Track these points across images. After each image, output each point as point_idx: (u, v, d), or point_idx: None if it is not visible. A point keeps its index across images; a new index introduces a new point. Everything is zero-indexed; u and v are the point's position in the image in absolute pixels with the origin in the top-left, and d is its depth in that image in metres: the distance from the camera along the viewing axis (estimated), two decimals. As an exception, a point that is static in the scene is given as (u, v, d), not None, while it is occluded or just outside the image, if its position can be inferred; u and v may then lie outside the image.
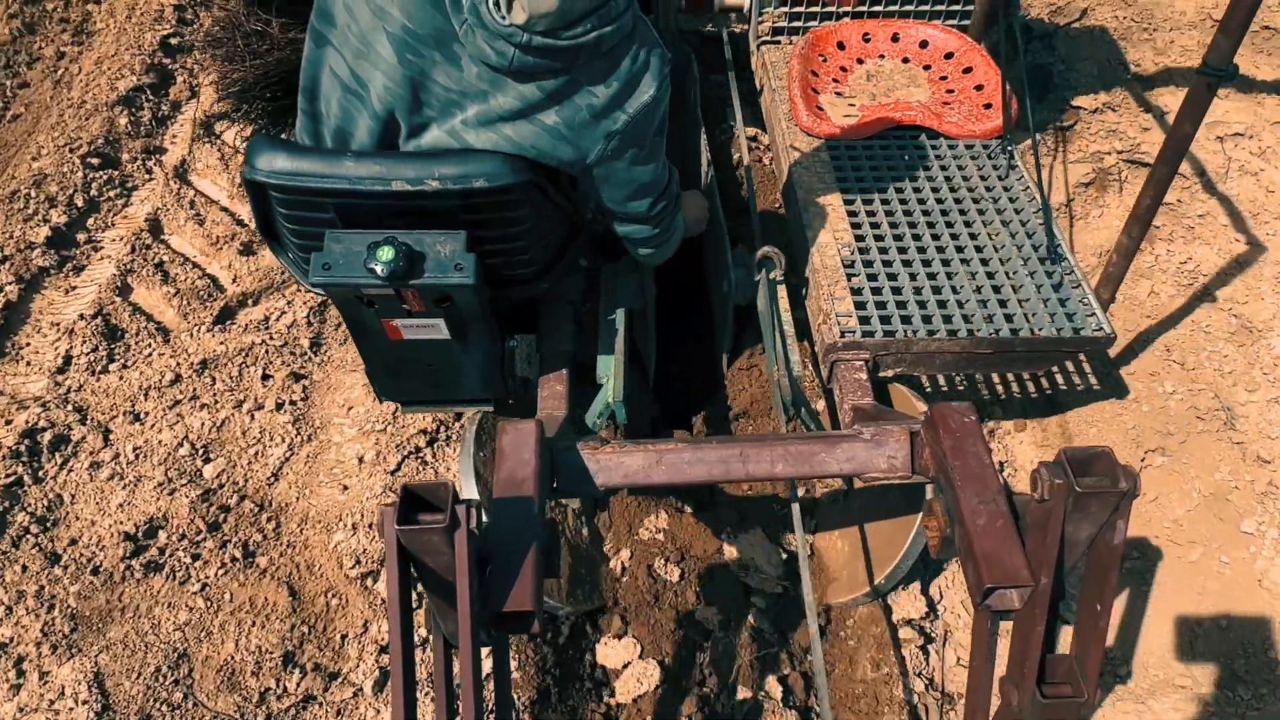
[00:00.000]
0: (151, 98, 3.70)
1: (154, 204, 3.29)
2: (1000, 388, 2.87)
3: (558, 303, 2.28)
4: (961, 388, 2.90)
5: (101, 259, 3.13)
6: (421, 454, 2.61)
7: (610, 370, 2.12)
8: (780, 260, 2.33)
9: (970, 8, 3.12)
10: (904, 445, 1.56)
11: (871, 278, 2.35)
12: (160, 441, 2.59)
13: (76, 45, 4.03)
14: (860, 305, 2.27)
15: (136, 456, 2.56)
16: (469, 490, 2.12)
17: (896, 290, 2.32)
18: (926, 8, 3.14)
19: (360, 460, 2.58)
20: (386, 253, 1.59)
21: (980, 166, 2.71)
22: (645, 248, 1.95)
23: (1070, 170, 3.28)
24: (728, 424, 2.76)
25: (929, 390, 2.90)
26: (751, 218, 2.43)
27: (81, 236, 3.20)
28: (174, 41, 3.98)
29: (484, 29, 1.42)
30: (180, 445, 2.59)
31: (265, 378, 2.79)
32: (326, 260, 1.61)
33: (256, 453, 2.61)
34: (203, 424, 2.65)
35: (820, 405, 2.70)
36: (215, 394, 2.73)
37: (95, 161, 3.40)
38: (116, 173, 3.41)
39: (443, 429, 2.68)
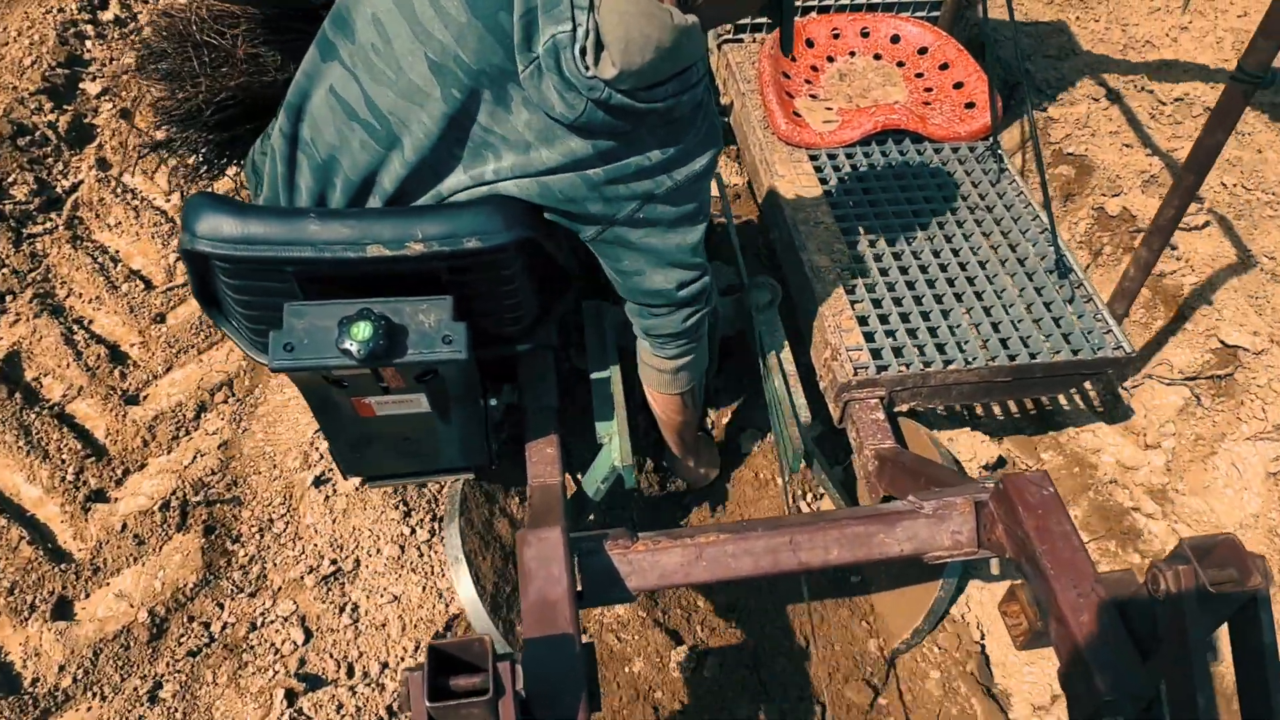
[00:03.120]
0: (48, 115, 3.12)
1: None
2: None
3: (537, 351, 2.08)
4: (956, 412, 2.79)
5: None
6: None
7: (613, 428, 1.94)
8: (777, 292, 2.17)
9: (940, -1, 3.01)
10: (969, 519, 1.42)
11: (876, 303, 2.22)
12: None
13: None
14: (869, 336, 2.13)
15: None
16: (463, 581, 1.92)
17: (905, 317, 2.19)
18: None
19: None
20: (363, 330, 1.37)
21: (970, 171, 2.60)
22: (668, 349, 1.74)
23: (1047, 172, 3.21)
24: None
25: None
26: (731, 239, 2.26)
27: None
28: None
29: (558, 75, 1.23)
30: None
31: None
32: (288, 340, 1.38)
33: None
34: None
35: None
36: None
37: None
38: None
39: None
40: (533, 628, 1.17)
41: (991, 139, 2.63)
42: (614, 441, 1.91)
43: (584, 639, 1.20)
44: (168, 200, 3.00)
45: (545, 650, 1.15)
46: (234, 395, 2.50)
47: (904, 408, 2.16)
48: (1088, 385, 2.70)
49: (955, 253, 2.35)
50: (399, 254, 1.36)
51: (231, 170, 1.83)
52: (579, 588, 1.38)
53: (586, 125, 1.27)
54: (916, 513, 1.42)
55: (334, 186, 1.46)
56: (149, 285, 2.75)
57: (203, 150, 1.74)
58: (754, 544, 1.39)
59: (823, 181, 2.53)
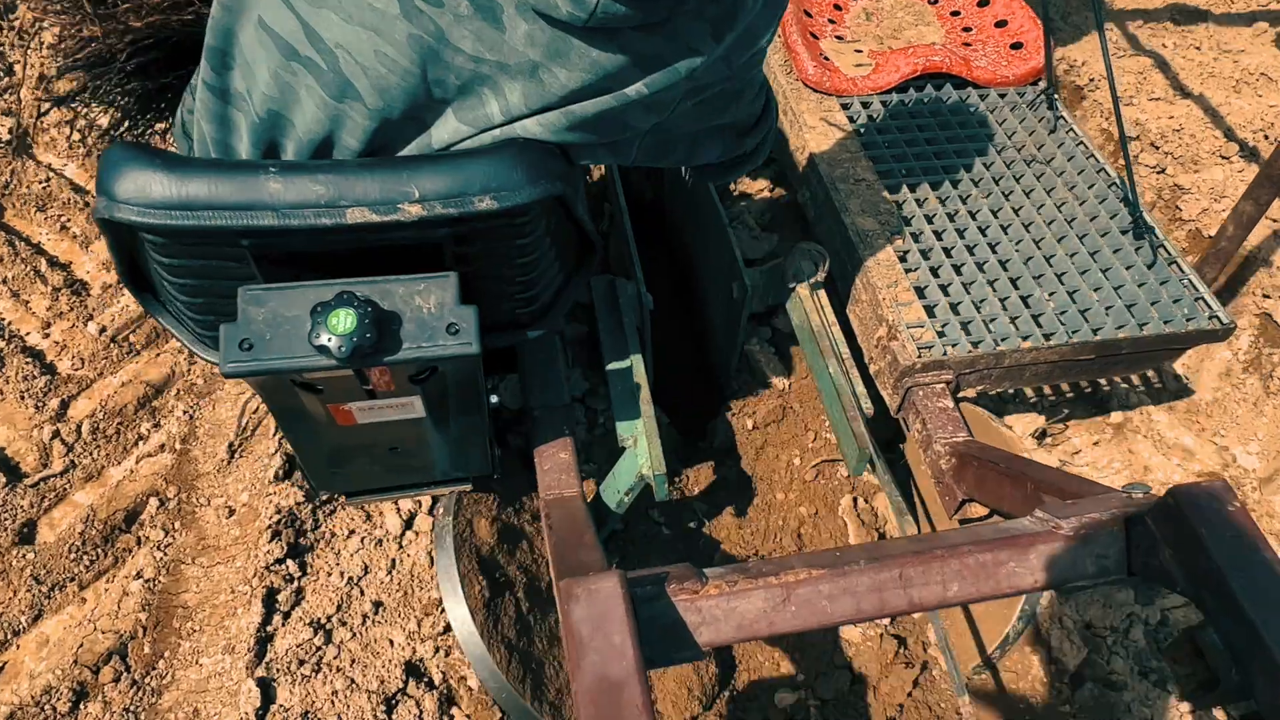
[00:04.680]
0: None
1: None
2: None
3: (544, 337, 1.77)
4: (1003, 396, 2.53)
5: None
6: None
7: (639, 429, 1.64)
8: (824, 261, 1.88)
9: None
10: (1118, 539, 1.15)
11: (935, 272, 1.93)
12: None
13: None
14: (930, 311, 1.85)
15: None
16: (457, 608, 1.62)
17: (968, 288, 1.91)
18: (925, -71, 2.71)
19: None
20: (344, 320, 1.05)
21: (1022, 119, 2.32)
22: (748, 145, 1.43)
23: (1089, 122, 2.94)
24: (737, 449, 2.32)
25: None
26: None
27: None
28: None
29: None
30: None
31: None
32: (245, 336, 1.07)
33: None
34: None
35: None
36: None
37: None
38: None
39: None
40: (595, 719, 0.88)
41: (1046, 83, 2.35)
42: (640, 445, 1.61)
43: (655, 725, 0.91)
44: (82, 166, 2.65)
45: (613, 753, 0.86)
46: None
47: (970, 393, 1.89)
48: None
49: (1016, 211, 2.07)
50: (389, 219, 1.04)
51: (160, 126, 1.49)
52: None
53: (606, 23, 0.95)
54: (1053, 534, 1.15)
55: (282, 150, 1.13)
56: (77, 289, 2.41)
57: (121, 104, 1.39)
58: (854, 581, 1.10)
59: (858, 133, 2.24)
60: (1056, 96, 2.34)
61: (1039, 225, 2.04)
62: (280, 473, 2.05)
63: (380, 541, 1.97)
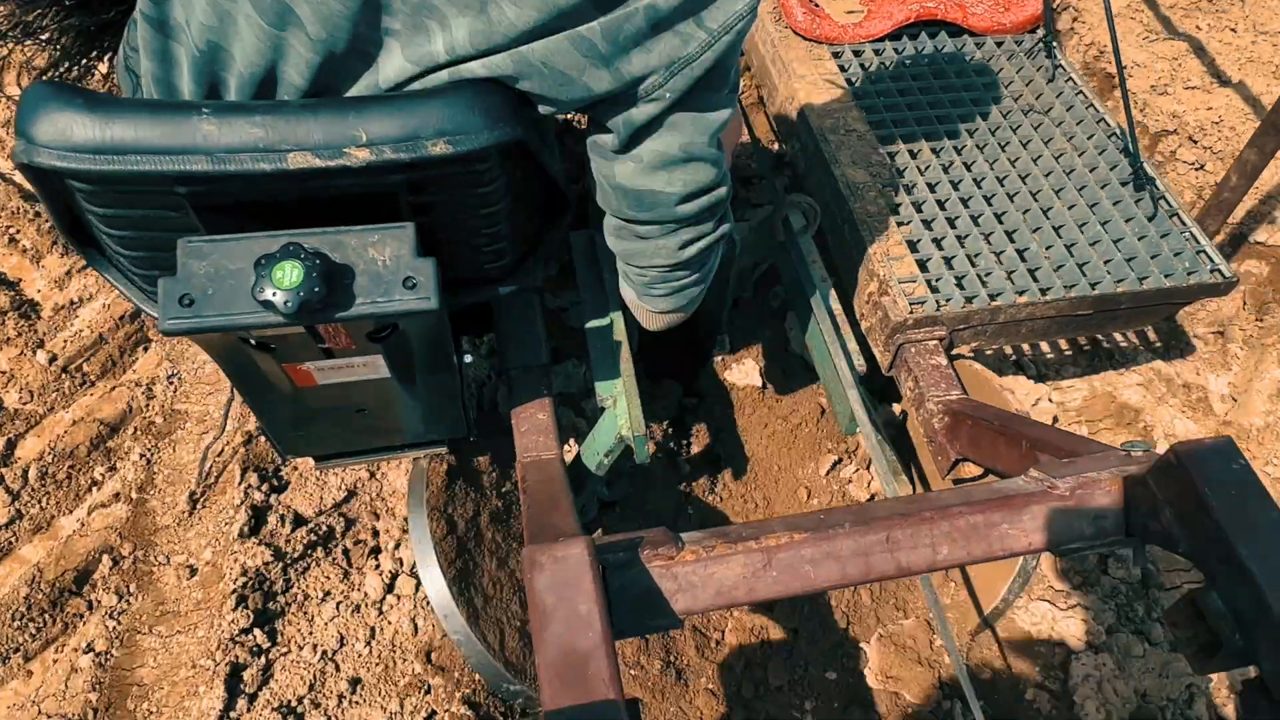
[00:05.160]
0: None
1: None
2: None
3: (519, 294, 1.70)
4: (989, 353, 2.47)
5: None
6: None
7: (618, 389, 1.57)
8: (815, 214, 1.81)
9: None
10: (1116, 500, 1.10)
11: (928, 225, 1.87)
12: None
13: None
14: (923, 265, 1.78)
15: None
16: (433, 581, 1.57)
17: (962, 241, 1.84)
18: None
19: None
20: (289, 273, 0.99)
21: (1020, 69, 2.23)
22: (656, 292, 1.30)
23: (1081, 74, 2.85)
24: (731, 410, 2.27)
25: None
26: None
27: None
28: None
29: None
30: None
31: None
32: (186, 291, 1.00)
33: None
34: None
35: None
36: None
37: None
38: None
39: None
40: (558, 693, 0.82)
41: (1044, 31, 2.26)
42: (620, 406, 1.55)
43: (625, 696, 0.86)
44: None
45: (574, 728, 0.80)
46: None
47: (963, 350, 1.83)
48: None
49: (1013, 163, 2.00)
50: (335, 164, 0.97)
51: (104, 68, 1.40)
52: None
53: None
54: (1048, 494, 1.09)
55: (225, 86, 1.06)
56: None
57: (59, 43, 1.30)
58: (839, 545, 1.05)
59: (850, 83, 2.16)
60: (1055, 45, 2.26)
61: (1036, 177, 1.97)
62: (246, 528, 1.90)
63: (358, 607, 1.83)
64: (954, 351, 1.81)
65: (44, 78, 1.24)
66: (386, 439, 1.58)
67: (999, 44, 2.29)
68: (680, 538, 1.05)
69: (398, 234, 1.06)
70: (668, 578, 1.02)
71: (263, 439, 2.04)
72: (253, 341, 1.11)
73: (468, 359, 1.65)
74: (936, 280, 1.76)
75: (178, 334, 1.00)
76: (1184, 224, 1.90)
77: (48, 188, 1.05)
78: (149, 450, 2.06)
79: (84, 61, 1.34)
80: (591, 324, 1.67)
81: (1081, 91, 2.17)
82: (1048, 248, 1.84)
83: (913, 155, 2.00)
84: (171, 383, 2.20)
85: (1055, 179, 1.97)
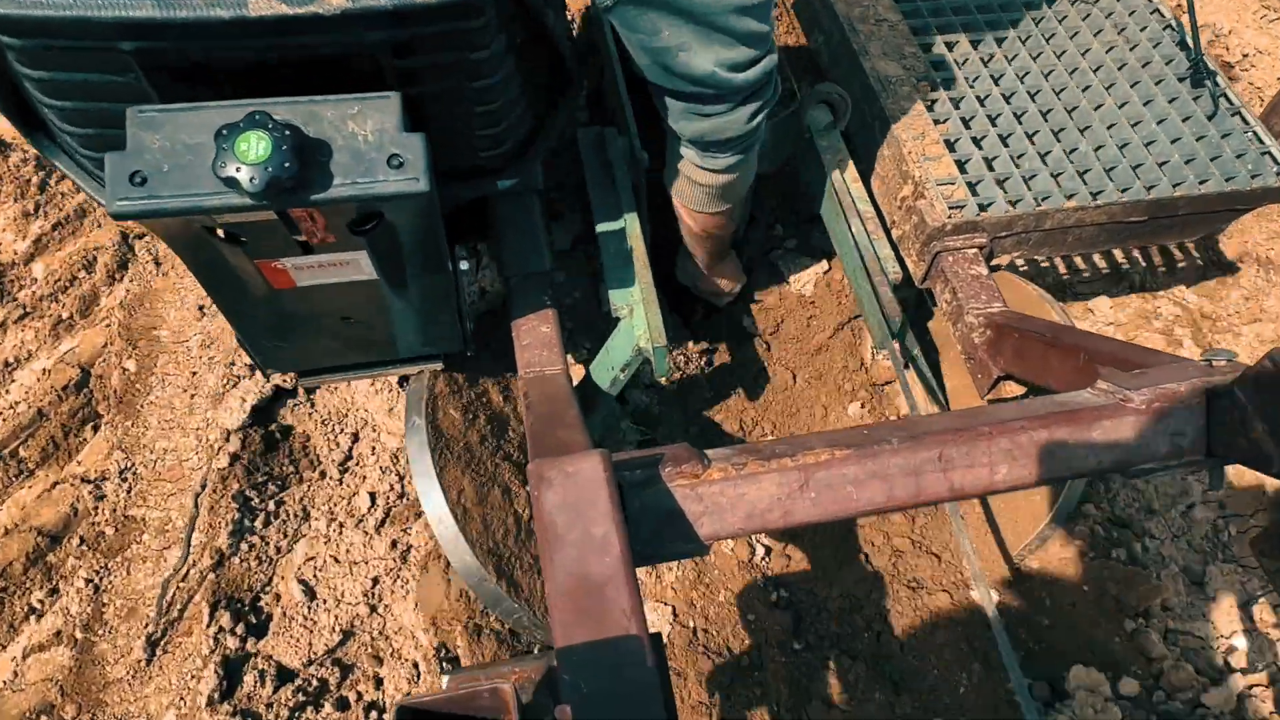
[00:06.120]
0: None
1: None
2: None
3: (519, 193, 1.57)
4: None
5: None
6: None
7: (635, 297, 1.45)
8: (846, 106, 1.66)
9: None
10: (1197, 414, 0.99)
11: (967, 123, 1.72)
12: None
13: None
14: (962, 166, 1.65)
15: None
16: (436, 507, 1.47)
17: (1005, 140, 1.70)
18: None
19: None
20: (255, 145, 0.86)
21: (1065, -47, 2.06)
22: (720, 158, 1.38)
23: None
24: (752, 327, 2.14)
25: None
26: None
27: None
28: None
29: None
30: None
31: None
32: (136, 168, 0.87)
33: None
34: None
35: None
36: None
37: None
38: None
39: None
40: (571, 626, 0.72)
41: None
42: (637, 315, 1.43)
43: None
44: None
45: (594, 664, 0.70)
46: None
47: (1004, 260, 1.70)
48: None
49: (1059, 56, 1.84)
50: (304, 11, 0.83)
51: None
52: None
53: None
54: (1121, 407, 0.98)
55: None
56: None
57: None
58: (885, 463, 0.94)
59: (880, -33, 1.98)
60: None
61: (1084, 71, 1.82)
62: (217, 692, 1.55)
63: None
64: (994, 263, 1.68)
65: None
66: (377, 352, 1.47)
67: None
68: (706, 455, 0.94)
69: (381, 105, 0.93)
70: (692, 499, 0.92)
71: (235, 560, 1.69)
72: (220, 233, 0.99)
73: (463, 265, 1.53)
74: (976, 183, 1.62)
75: (129, 217, 0.88)
76: (1247, 123, 1.76)
77: (-25, 50, 0.91)
78: (97, 572, 1.68)
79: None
80: (603, 227, 1.55)
81: (1133, -21, 2.00)
82: (1098, 148, 1.70)
83: (949, 47, 1.84)
84: (125, 480, 1.78)
85: (1105, 74, 1.82)
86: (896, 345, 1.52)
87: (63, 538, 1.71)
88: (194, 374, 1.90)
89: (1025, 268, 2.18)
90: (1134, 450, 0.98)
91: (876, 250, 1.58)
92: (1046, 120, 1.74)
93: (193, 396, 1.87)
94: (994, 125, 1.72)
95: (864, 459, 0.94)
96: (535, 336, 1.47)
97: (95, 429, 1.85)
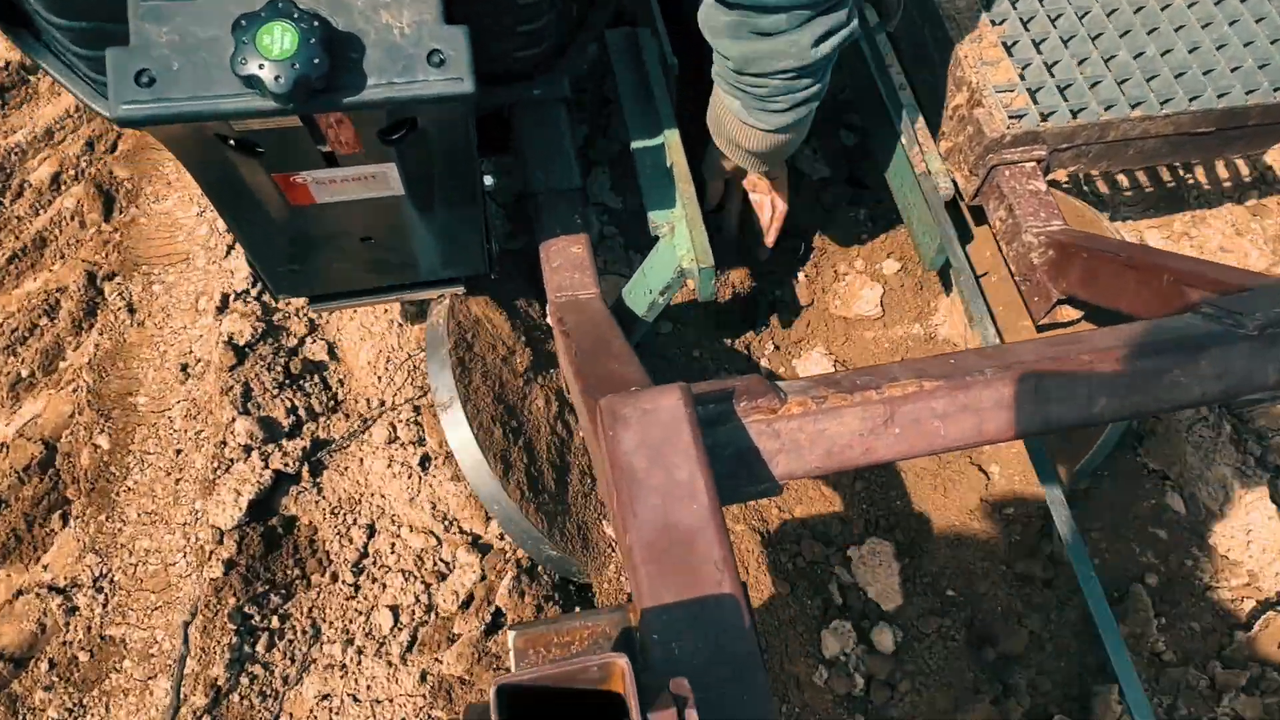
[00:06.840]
0: None
1: None
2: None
3: (545, 104, 1.46)
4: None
5: None
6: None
7: (677, 215, 1.36)
8: (899, 4, 1.55)
9: None
10: (1312, 341, 0.92)
11: (1026, 24, 1.61)
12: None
13: None
14: (1023, 74, 1.54)
15: None
16: (457, 427, 1.39)
17: (1067, 43, 1.59)
18: None
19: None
20: (280, 38, 0.76)
21: None
22: (775, 104, 1.16)
23: None
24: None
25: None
26: None
27: None
28: None
29: None
30: None
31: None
32: (143, 65, 0.77)
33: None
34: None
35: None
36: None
37: None
38: None
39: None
40: (660, 583, 0.66)
41: None
42: (679, 232, 1.34)
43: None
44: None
45: (687, 627, 0.64)
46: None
47: (1061, 175, 1.61)
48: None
49: (1121, -51, 1.72)
50: (335, -122, 0.72)
51: None
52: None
53: None
54: (1232, 333, 0.91)
55: None
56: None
57: None
58: (977, 395, 0.87)
59: None
60: None
61: (1150, -33, 1.69)
62: None
63: None
64: (1051, 177, 1.59)
65: None
66: (396, 276, 1.38)
67: None
68: (781, 388, 0.87)
69: (418, -7, 0.82)
70: (768, 435, 0.84)
71: (235, 697, 1.43)
72: (233, 140, 0.89)
73: (487, 180, 1.43)
74: (1037, 90, 1.52)
75: (135, 124, 0.78)
76: (1322, 25, 1.65)
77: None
78: (70, 710, 1.40)
79: None
80: (640, 143, 1.44)
81: None
82: (1164, 53, 1.59)
83: (1004, -59, 1.71)
84: (101, 590, 1.49)
85: (1171, -29, 1.69)
86: (961, 251, 1.43)
87: (27, 662, 1.42)
88: (178, 452, 1.58)
89: (1068, 184, 2.09)
90: (1242, 379, 0.91)
91: (928, 163, 1.48)
92: (1110, 21, 1.62)
93: (177, 481, 1.56)
94: (1054, 26, 1.60)
95: (954, 391, 0.87)
96: (566, 258, 1.38)
97: (64, 519, 1.54)
